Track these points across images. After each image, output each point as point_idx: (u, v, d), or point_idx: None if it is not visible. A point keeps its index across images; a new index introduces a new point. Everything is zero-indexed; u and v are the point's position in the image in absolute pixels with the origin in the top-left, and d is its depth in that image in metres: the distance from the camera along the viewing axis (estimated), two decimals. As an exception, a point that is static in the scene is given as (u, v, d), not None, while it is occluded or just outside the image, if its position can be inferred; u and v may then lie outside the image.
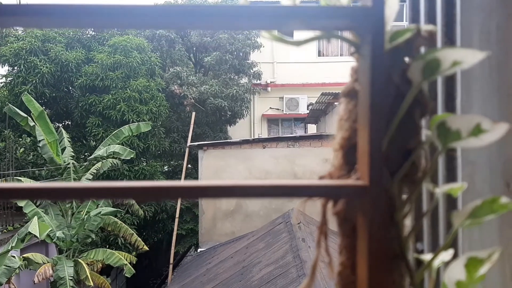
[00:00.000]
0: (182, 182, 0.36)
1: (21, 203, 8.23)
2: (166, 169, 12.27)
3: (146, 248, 9.48)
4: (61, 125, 10.95)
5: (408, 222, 0.33)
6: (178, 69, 11.53)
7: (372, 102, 0.33)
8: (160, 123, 11.24)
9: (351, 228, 0.33)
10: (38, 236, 6.42)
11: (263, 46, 12.67)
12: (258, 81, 12.84)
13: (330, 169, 0.39)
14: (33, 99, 8.87)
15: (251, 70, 12.43)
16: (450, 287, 0.34)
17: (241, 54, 12.16)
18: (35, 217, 6.99)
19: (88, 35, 11.42)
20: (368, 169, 0.31)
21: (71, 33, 11.09)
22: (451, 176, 0.63)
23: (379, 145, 0.31)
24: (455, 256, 0.35)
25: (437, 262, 0.37)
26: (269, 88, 13.99)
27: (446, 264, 0.35)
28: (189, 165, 11.45)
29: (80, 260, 8.40)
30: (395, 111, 0.35)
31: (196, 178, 10.36)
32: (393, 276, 0.32)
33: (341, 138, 0.36)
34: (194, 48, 12.87)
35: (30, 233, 6.60)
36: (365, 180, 0.31)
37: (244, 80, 12.33)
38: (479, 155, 0.65)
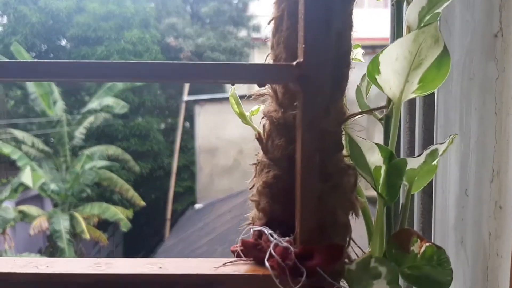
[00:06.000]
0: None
1: (15, 156, 8.06)
2: (163, 127, 12.04)
3: (143, 203, 9.41)
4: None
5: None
6: (174, 20, 11.08)
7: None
8: (156, 77, 10.91)
9: None
10: (31, 185, 6.28)
11: (263, -2, 12.16)
12: (258, 35, 12.39)
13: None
14: (22, 49, 8.52)
15: (250, 23, 11.96)
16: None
17: (240, 5, 11.66)
18: (28, 167, 6.81)
19: (79, -17, 10.90)
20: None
21: (61, -20, 10.58)
22: None
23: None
24: None
25: None
26: (268, 43, 13.53)
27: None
28: (187, 123, 11.23)
29: (76, 213, 8.32)
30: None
31: (194, 136, 10.17)
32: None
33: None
34: (191, -1, 12.34)
35: (23, 184, 6.45)
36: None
37: (242, 33, 11.88)
38: None
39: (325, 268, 0.43)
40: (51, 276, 0.44)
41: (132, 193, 9.32)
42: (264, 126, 0.52)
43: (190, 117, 10.86)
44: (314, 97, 0.45)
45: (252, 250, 0.47)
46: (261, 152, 0.52)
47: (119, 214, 8.46)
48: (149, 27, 10.71)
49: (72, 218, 8.21)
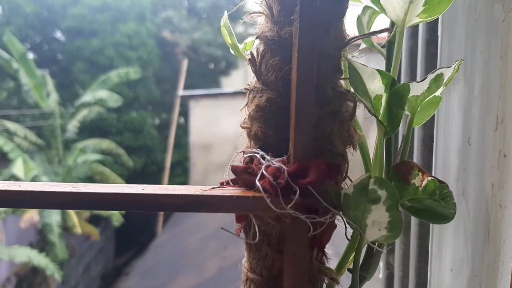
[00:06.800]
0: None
1: (7, 148, 7.96)
2: (158, 122, 11.96)
3: (135, 197, 9.34)
4: (47, 71, 10.51)
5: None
6: (170, 14, 11.00)
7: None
8: (151, 71, 10.84)
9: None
10: (23, 177, 6.21)
11: (260, -6, 12.08)
12: (254, 30, 12.35)
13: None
14: (15, 39, 8.42)
15: (247, 18, 11.89)
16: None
17: (237, 0, 11.61)
18: (20, 159, 6.74)
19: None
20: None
21: (57, -29, 10.49)
22: None
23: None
24: None
25: None
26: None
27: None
28: (182, 118, 11.16)
29: (67, 207, 8.24)
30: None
31: (188, 131, 10.10)
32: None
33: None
34: (188, -8, 12.26)
35: (14, 176, 6.37)
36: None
37: (239, 28, 11.83)
38: None
39: (319, 184, 0.39)
40: (23, 193, 0.40)
41: (125, 188, 9.25)
42: (257, 48, 0.48)
43: (184, 112, 10.80)
44: (312, 8, 0.42)
45: (243, 174, 0.43)
46: (254, 79, 0.49)
47: (111, 208, 8.40)
48: (145, 21, 10.62)
49: (63, 212, 8.12)
